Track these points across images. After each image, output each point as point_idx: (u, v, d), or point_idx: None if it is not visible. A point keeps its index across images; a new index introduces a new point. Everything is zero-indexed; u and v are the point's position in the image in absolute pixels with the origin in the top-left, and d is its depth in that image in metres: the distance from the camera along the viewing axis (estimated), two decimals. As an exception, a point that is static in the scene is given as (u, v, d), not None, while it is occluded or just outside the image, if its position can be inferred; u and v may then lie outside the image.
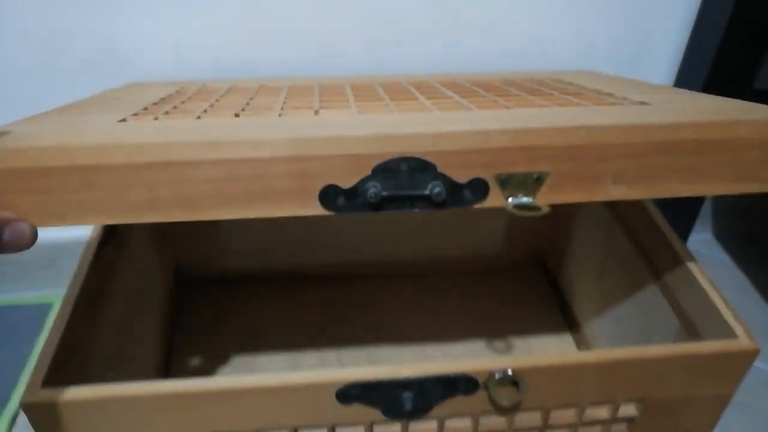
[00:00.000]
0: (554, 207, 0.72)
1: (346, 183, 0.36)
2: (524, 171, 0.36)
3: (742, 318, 0.81)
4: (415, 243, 0.74)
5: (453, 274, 0.78)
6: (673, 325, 0.49)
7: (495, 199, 0.37)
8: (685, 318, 0.48)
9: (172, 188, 0.35)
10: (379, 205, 0.36)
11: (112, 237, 0.50)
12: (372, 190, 0.35)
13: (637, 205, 0.55)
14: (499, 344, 0.70)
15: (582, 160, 0.37)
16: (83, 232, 0.81)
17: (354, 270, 0.77)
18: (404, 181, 0.36)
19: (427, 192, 0.36)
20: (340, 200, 0.36)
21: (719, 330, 0.43)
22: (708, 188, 0.38)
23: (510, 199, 0.37)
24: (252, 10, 0.66)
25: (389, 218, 0.71)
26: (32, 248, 0.81)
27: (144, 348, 0.58)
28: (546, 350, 0.69)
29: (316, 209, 0.36)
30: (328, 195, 0.36)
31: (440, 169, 0.36)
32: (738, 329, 0.41)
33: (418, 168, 0.36)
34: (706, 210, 0.93)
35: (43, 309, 0.80)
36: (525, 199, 0.37)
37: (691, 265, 0.47)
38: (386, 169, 0.35)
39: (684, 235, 0.90)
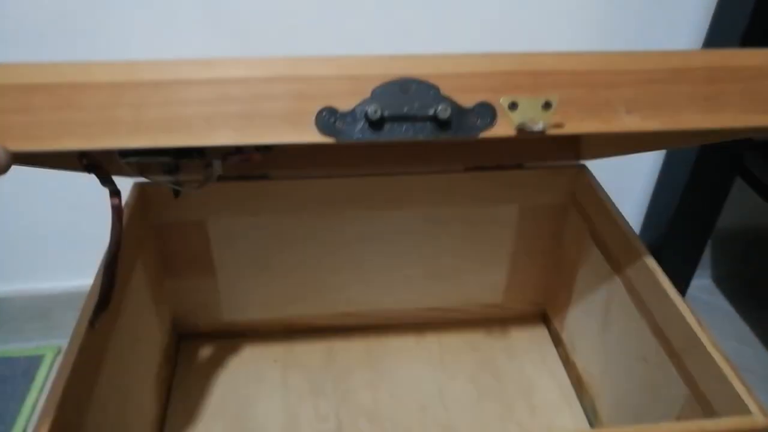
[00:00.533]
0: (555, 258, 0.69)
1: (345, 106, 0.34)
2: (532, 96, 0.35)
3: (743, 367, 0.76)
4: (414, 294, 0.71)
5: (453, 324, 0.75)
6: (681, 392, 0.47)
7: (503, 126, 0.35)
8: (694, 387, 0.45)
9: (160, 109, 0.33)
10: (380, 124, 0.34)
11: (107, 299, 0.47)
12: (372, 107, 0.33)
13: (636, 259, 0.53)
14: (502, 400, 0.66)
15: (591, 86, 0.35)
16: (77, 283, 0.77)
17: (352, 321, 0.73)
18: (406, 103, 0.34)
19: (431, 112, 0.34)
20: (339, 124, 0.34)
21: (731, 403, 0.41)
22: (725, 119, 0.36)
23: (518, 126, 0.35)
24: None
25: (387, 267, 0.68)
26: (25, 300, 0.77)
27: (139, 407, 0.55)
28: (549, 409, 0.65)
29: (313, 135, 0.34)
30: (325, 118, 0.34)
31: (444, 92, 0.34)
32: (752, 405, 0.40)
33: (420, 90, 0.34)
34: (705, 255, 0.89)
35: (35, 362, 0.76)
36: (535, 127, 0.35)
37: (700, 332, 0.45)
38: (386, 92, 0.34)
39: (685, 281, 0.86)
